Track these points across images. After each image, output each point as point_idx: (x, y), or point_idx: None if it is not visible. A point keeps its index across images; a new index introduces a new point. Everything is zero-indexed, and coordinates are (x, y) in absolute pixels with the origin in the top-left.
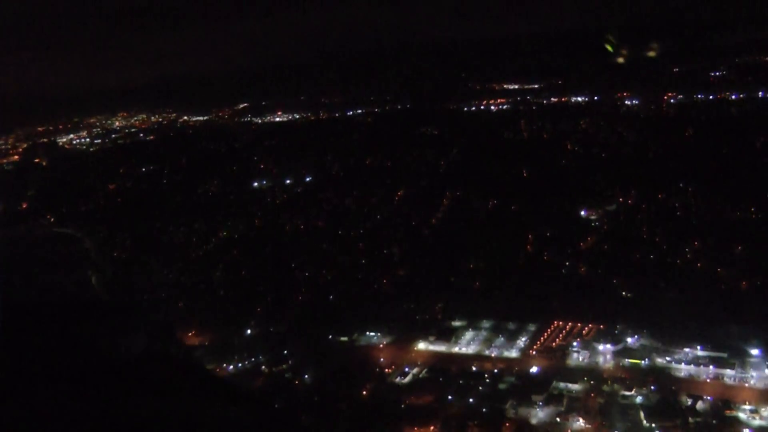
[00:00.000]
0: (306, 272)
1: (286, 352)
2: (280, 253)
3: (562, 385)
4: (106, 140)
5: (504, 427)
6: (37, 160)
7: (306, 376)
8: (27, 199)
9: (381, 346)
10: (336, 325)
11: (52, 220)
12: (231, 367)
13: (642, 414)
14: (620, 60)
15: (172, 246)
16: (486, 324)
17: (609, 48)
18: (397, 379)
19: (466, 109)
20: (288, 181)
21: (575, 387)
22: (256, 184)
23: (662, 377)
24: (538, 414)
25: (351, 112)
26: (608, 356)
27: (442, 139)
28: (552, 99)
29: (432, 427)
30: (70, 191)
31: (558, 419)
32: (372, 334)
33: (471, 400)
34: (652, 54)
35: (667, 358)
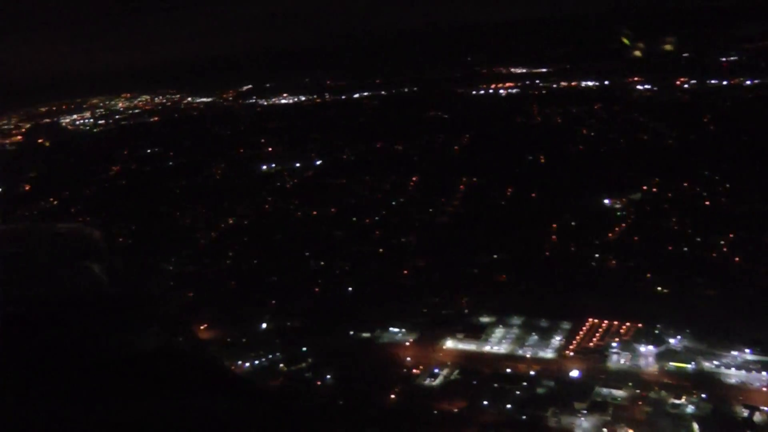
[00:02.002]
0: (321, 261)
1: (304, 349)
2: (293, 241)
3: (605, 391)
4: (110, 121)
5: None
6: (39, 141)
7: (327, 377)
8: (29, 181)
9: (406, 344)
10: (356, 321)
11: (55, 202)
12: (247, 364)
13: (696, 427)
14: (637, 53)
15: (178, 232)
16: (516, 320)
17: (626, 41)
18: (427, 382)
19: (474, 92)
20: (297, 165)
21: (619, 393)
22: (264, 167)
23: (712, 384)
24: (582, 424)
25: (357, 95)
26: (650, 359)
27: (453, 124)
28: (561, 83)
29: None
30: (73, 173)
31: (605, 430)
32: (395, 330)
33: (508, 406)
34: (668, 47)
35: (715, 362)
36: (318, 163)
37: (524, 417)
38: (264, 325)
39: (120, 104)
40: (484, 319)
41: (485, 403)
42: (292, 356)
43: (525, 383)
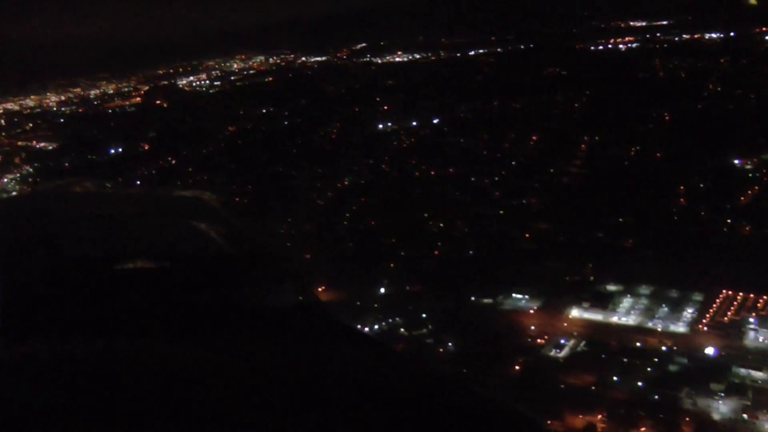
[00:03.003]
0: (440, 223)
1: (424, 315)
2: (411, 203)
3: (743, 371)
4: (225, 82)
5: (683, 422)
6: (157, 102)
7: (449, 344)
8: (148, 141)
9: (530, 311)
10: (477, 285)
11: (173, 162)
12: (366, 328)
13: None
14: (752, 1)
15: (294, 192)
16: (645, 290)
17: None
18: (552, 353)
19: (592, 48)
20: (414, 124)
21: (759, 375)
22: (380, 126)
23: None
24: (720, 407)
25: (472, 53)
26: None
27: (572, 80)
28: (684, 36)
29: (599, 416)
30: (190, 133)
31: (745, 416)
32: (518, 296)
33: (639, 383)
34: None
35: None
36: (435, 121)
37: (656, 397)
38: (383, 290)
39: (235, 65)
40: (611, 288)
41: (615, 379)
42: (413, 321)
43: (656, 359)
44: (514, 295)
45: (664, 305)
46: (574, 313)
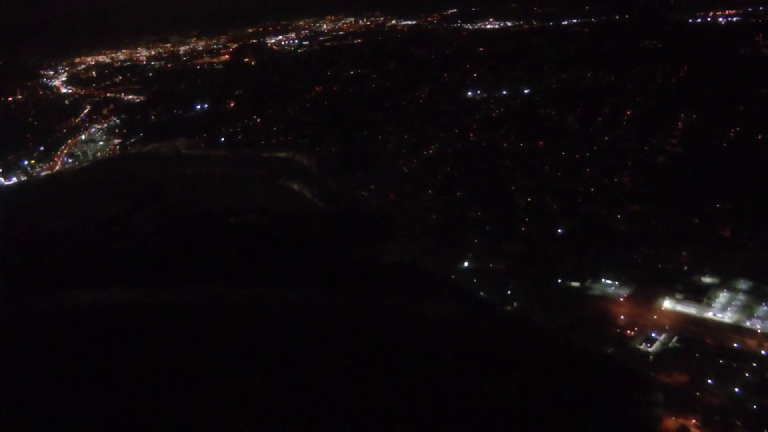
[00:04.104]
0: (528, 198)
1: (509, 292)
2: (498, 174)
3: None
4: (314, 43)
5: None
6: (246, 60)
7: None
8: (234, 98)
9: (620, 299)
10: (564, 267)
11: (258, 120)
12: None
13: None
14: None
15: (379, 158)
16: (743, 285)
17: None
18: (642, 346)
19: (690, 21)
20: (504, 93)
21: None
22: (469, 93)
23: None
24: None
25: (566, 22)
26: None
27: (669, 54)
28: None
29: (693, 420)
30: (277, 92)
31: None
32: (608, 282)
33: (736, 389)
34: None
35: None
36: (526, 91)
37: (755, 407)
38: (466, 264)
39: (324, 26)
40: (706, 280)
41: (709, 381)
42: (496, 298)
43: (754, 363)
44: (603, 280)
45: (764, 304)
46: (667, 304)
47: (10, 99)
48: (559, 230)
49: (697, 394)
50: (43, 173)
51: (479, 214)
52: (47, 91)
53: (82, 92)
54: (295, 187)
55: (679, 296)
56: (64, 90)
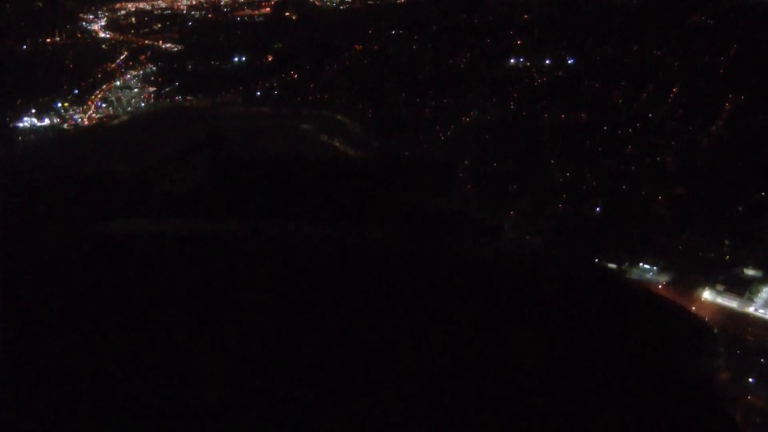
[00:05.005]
0: (567, 173)
1: None
2: (536, 147)
3: None
4: (356, 0)
5: None
6: (287, 14)
7: None
8: (273, 52)
9: (658, 286)
10: (601, 247)
11: (295, 76)
12: None
13: None
14: None
15: (416, 121)
16: None
17: None
18: None
19: None
20: (547, 62)
21: None
22: (512, 61)
23: None
24: None
25: None
26: None
27: (719, 32)
28: None
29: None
30: (317, 48)
31: None
32: (646, 267)
33: None
34: None
35: None
36: (570, 62)
37: None
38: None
39: None
40: (749, 272)
41: (750, 380)
42: None
43: None
44: (641, 264)
45: None
46: (706, 295)
47: (48, 40)
48: (597, 209)
49: (738, 393)
50: (76, 116)
51: (515, 187)
52: (85, 35)
53: (120, 38)
54: (338, 143)
55: (720, 287)
56: (102, 35)
